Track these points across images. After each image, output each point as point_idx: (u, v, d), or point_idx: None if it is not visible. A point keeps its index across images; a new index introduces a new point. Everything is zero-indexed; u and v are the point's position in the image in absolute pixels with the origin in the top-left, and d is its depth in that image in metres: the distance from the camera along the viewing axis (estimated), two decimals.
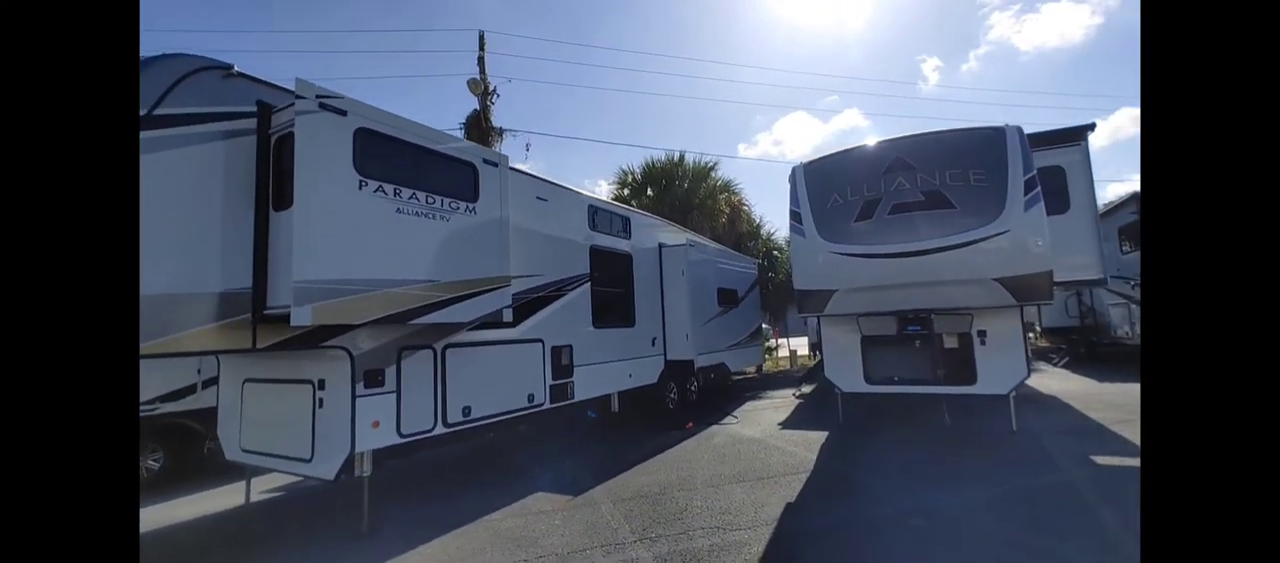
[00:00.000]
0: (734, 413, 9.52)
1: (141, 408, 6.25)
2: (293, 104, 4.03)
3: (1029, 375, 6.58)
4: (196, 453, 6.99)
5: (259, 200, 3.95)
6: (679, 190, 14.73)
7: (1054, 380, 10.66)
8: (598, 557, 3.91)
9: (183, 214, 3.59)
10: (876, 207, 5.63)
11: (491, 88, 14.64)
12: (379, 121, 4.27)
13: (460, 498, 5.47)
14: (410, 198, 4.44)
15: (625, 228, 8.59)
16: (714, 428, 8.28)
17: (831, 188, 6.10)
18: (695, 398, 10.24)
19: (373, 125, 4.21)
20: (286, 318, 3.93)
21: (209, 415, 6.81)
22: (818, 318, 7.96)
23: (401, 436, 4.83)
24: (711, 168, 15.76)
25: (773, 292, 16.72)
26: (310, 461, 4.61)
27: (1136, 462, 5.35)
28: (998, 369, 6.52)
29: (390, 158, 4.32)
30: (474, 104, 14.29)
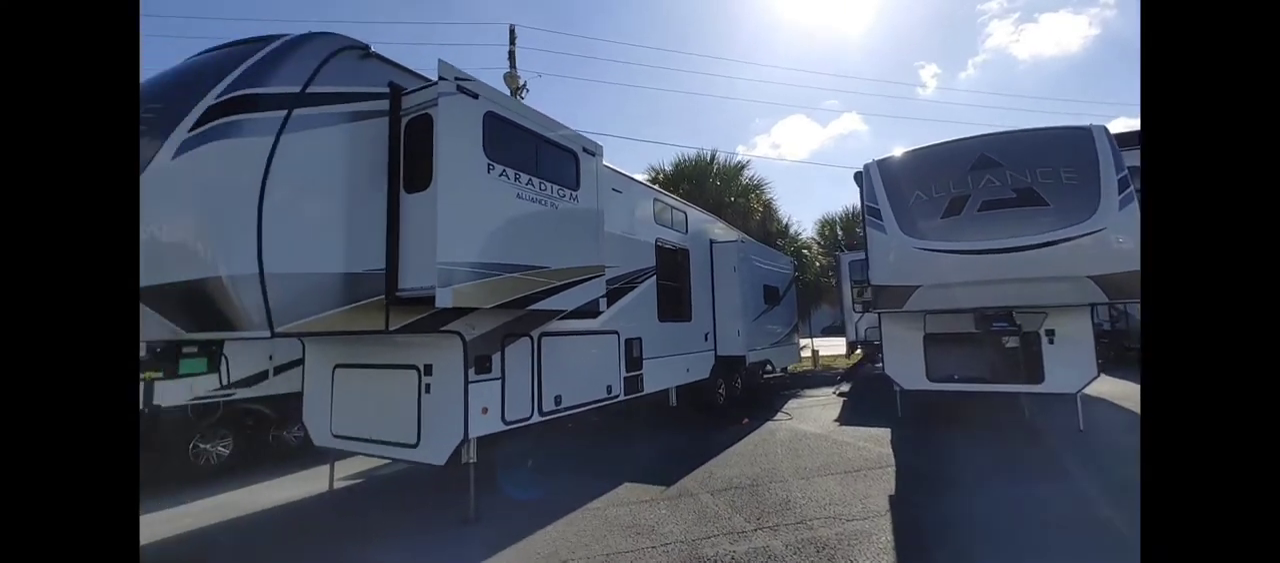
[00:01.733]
0: (783, 410, 9.55)
1: (219, 394, 6.21)
2: (424, 86, 4.03)
3: (1098, 376, 6.63)
4: (264, 440, 6.95)
5: (390, 182, 3.92)
6: (712, 188, 14.76)
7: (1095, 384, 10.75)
8: (723, 544, 3.92)
9: (324, 193, 3.58)
10: (965, 203, 5.67)
11: (522, 83, 14.64)
12: (502, 106, 4.27)
13: (548, 488, 5.46)
14: (527, 183, 4.44)
15: (684, 223, 8.61)
16: (770, 424, 8.30)
17: (913, 184, 6.14)
18: (739, 394, 10.27)
19: (498, 110, 4.20)
20: (417, 300, 3.94)
21: (279, 401, 6.82)
22: (878, 315, 8.00)
23: (505, 422, 4.82)
24: (742, 167, 15.82)
25: (799, 291, 16.78)
26: (416, 446, 4.59)
27: None
28: (1067, 368, 6.56)
29: (510, 143, 4.32)
30: None
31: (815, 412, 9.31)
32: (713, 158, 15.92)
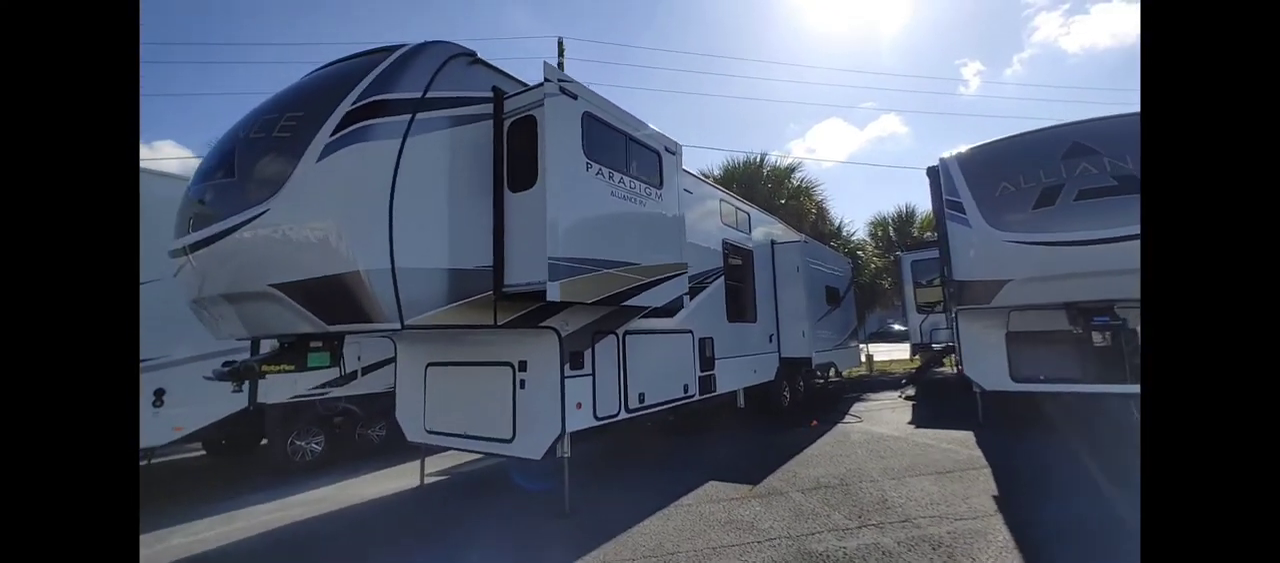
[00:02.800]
0: (851, 413, 9.33)
1: (313, 393, 6.54)
2: (525, 90, 4.18)
3: None
4: (350, 437, 7.26)
5: (496, 182, 4.07)
6: (763, 190, 14.64)
7: None
8: (829, 540, 3.85)
9: (438, 193, 3.73)
10: (1058, 193, 5.45)
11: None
12: (597, 106, 4.38)
13: (633, 483, 5.50)
14: (619, 182, 4.52)
15: (748, 224, 8.57)
16: (842, 426, 8.13)
17: (998, 176, 5.94)
18: (801, 398, 10.10)
19: (594, 110, 4.31)
20: (522, 296, 4.06)
21: (366, 401, 7.11)
22: (953, 315, 7.75)
23: (597, 418, 4.89)
24: (793, 169, 15.63)
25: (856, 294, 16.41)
26: (511, 441, 4.71)
27: None
28: None
29: (603, 142, 4.42)
30: None
31: (885, 415, 9.06)
32: (762, 160, 15.82)
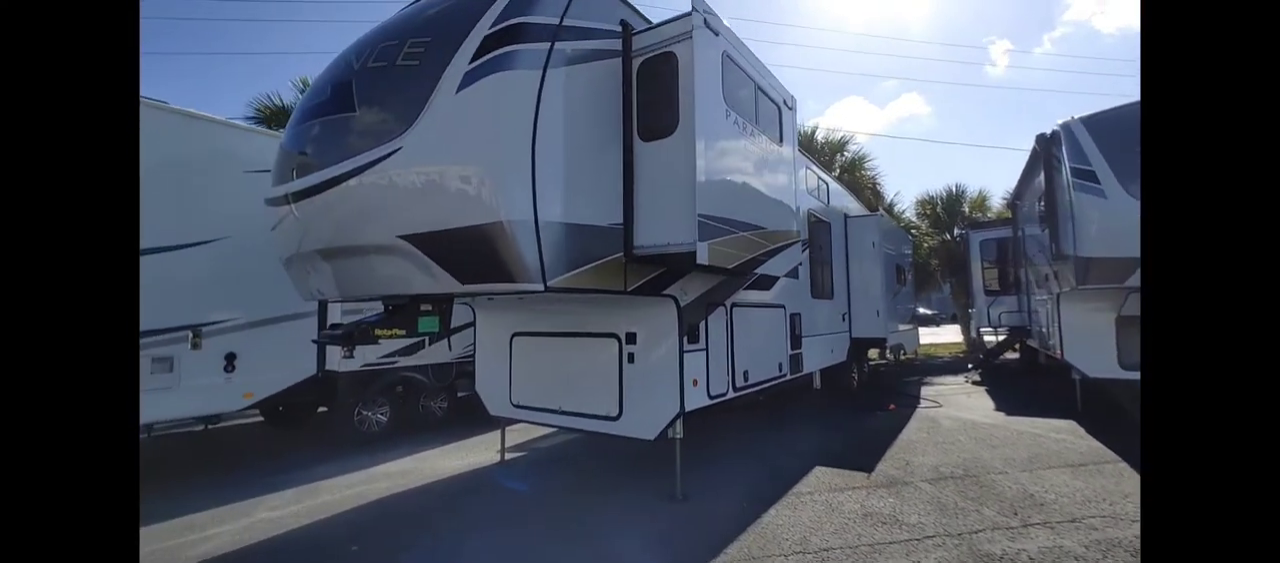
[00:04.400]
0: (925, 397, 8.88)
1: (384, 362, 6.20)
2: (662, 23, 3.67)
3: None
4: (414, 409, 6.95)
5: (625, 129, 3.59)
6: (816, 163, 13.97)
7: None
8: (1001, 540, 3.43)
9: (574, 138, 3.26)
10: None
11: None
12: (733, 45, 3.86)
13: (731, 468, 5.11)
14: (751, 134, 4.03)
15: (826, 195, 8.04)
16: (923, 412, 7.68)
17: (1137, 140, 5.34)
18: (866, 379, 9.67)
19: (731, 50, 3.80)
20: (648, 260, 3.62)
21: (433, 371, 6.77)
22: (1054, 296, 7.21)
23: (710, 397, 4.49)
24: (846, 142, 14.93)
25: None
26: (618, 419, 4.32)
27: None
28: None
29: (738, 88, 3.93)
30: None
31: (961, 400, 8.60)
32: (813, 132, 15.12)
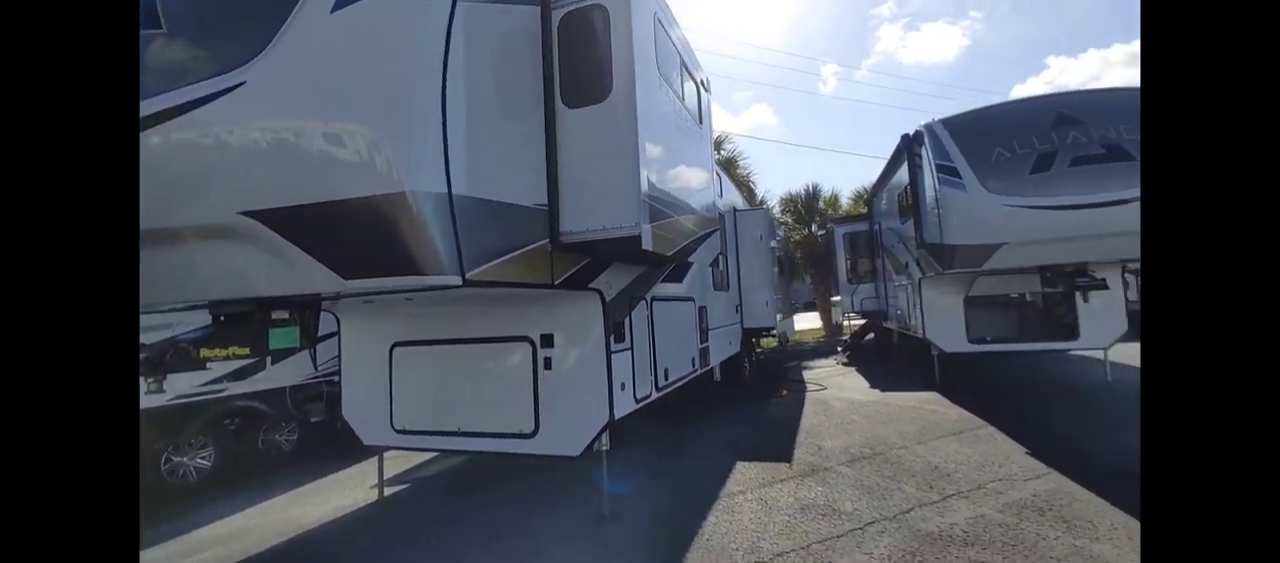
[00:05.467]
0: (809, 381, 9.39)
1: (203, 391, 4.78)
2: None
3: (1126, 331, 7.04)
4: (251, 445, 5.53)
5: (547, 94, 3.01)
6: None
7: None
8: (932, 516, 3.51)
9: (487, 96, 2.61)
10: (1053, 159, 5.65)
11: None
12: (661, 8, 3.46)
13: (653, 475, 4.77)
14: (678, 109, 3.68)
15: (721, 187, 8.07)
16: (812, 395, 8.07)
17: (992, 141, 6.04)
18: (755, 368, 10.03)
19: (660, 12, 3.40)
20: (577, 247, 3.09)
21: (275, 397, 5.44)
22: (916, 282, 8.00)
23: (636, 401, 4.07)
24: (722, 141, 15.49)
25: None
26: (533, 435, 3.72)
27: None
28: (1101, 325, 6.90)
29: (667, 57, 3.54)
30: None
31: (839, 380, 9.25)
32: None
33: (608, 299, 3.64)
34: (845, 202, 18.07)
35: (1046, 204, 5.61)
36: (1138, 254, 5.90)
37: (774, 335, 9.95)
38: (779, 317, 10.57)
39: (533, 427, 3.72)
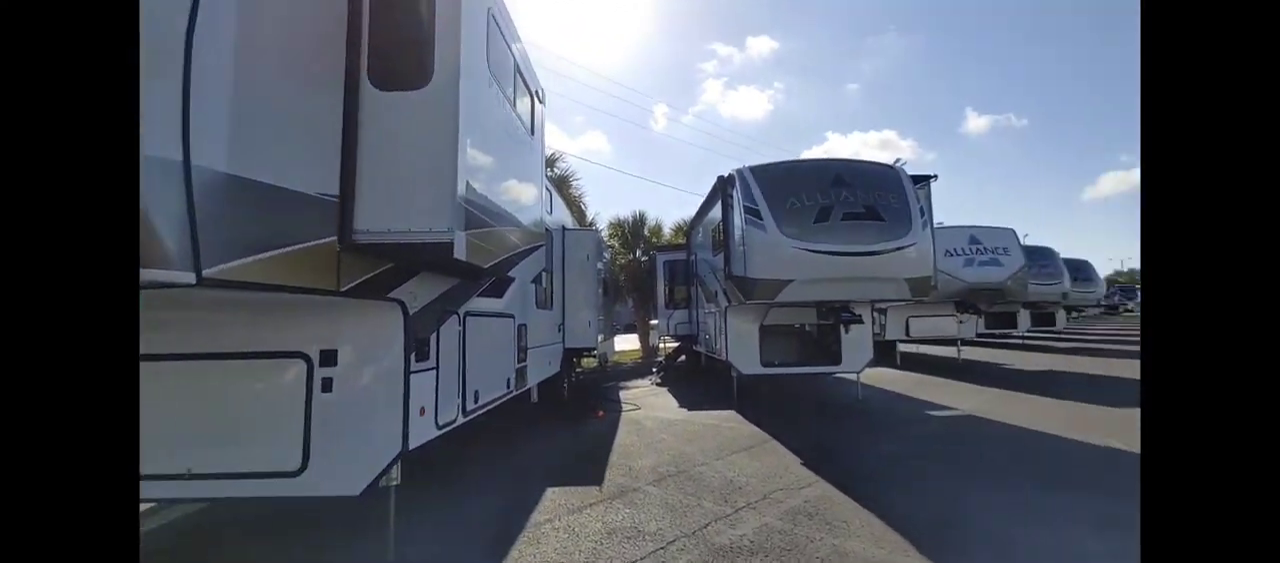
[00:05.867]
0: (625, 401, 9.65)
1: None
2: None
3: (873, 357, 8.72)
4: None
5: (350, 67, 2.56)
6: None
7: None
8: (726, 530, 3.76)
9: (248, 44, 2.11)
10: (831, 212, 6.74)
11: None
12: (497, 6, 3.24)
13: (453, 508, 4.34)
14: (508, 115, 3.48)
15: (551, 203, 7.97)
16: (627, 415, 8.30)
17: (788, 191, 6.99)
18: (573, 389, 10.00)
19: (495, 9, 3.18)
20: (377, 250, 2.66)
21: None
22: (723, 310, 8.83)
23: (438, 427, 3.66)
24: (555, 159, 15.43)
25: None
26: (300, 473, 3.10)
27: (946, 411, 7.71)
28: (857, 352, 8.45)
29: (500, 58, 3.32)
30: None
31: (653, 400, 9.69)
32: None
33: (412, 312, 3.21)
34: (667, 231, 19.39)
35: (825, 249, 6.65)
36: (883, 297, 7.33)
37: (594, 356, 10.05)
38: (601, 337, 10.75)
39: (300, 463, 3.08)
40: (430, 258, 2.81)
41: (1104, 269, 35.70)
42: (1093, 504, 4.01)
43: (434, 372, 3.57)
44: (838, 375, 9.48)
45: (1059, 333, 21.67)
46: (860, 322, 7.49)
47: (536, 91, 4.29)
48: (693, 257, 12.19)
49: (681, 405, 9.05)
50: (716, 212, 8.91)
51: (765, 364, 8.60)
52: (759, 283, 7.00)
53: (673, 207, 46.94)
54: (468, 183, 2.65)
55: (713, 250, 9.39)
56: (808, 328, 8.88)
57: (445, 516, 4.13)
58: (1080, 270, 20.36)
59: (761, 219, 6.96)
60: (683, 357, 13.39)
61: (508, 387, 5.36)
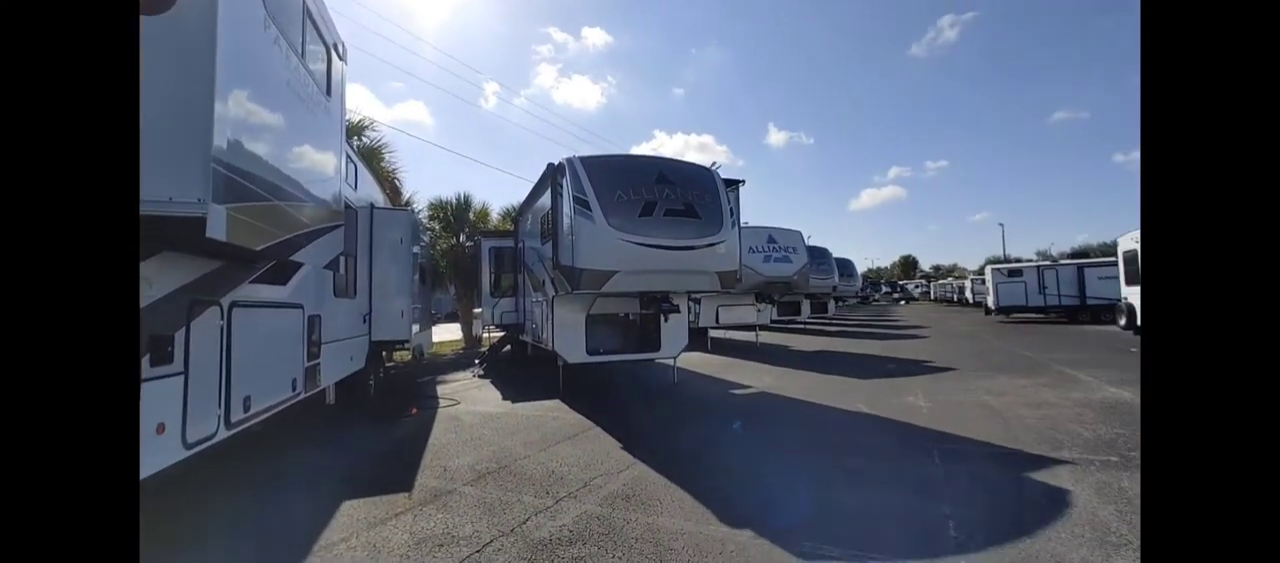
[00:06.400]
0: (443, 396, 9.00)
1: None
2: None
3: (688, 343, 9.51)
4: None
5: None
6: None
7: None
8: (546, 523, 3.72)
9: None
10: (655, 207, 7.07)
11: None
12: None
13: (222, 538, 3.56)
14: (295, 69, 2.91)
15: (356, 177, 7.01)
16: (444, 411, 7.77)
17: (615, 184, 7.15)
18: (383, 384, 9.02)
19: None
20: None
21: None
22: (548, 300, 8.77)
23: (186, 446, 2.94)
24: (365, 127, 13.58)
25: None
26: None
27: (752, 386, 8.80)
28: (675, 339, 9.12)
29: (282, 7, 2.76)
30: None
31: (475, 394, 9.22)
32: None
33: (145, 303, 2.50)
34: (495, 216, 18.55)
35: (649, 243, 6.98)
36: (699, 288, 7.99)
37: (409, 348, 9.17)
38: (417, 328, 9.85)
39: None
40: (175, 236, 2.21)
41: (861, 267, 44.50)
42: (843, 460, 4.90)
43: (182, 377, 2.84)
44: (658, 361, 10.12)
45: (829, 319, 26.38)
46: (678, 311, 8.08)
47: (334, 44, 3.68)
48: (521, 244, 11.85)
49: (505, 398, 8.76)
50: (546, 200, 8.76)
51: (591, 352, 8.75)
52: (585, 273, 7.07)
53: (502, 190, 45.21)
54: (230, 141, 2.13)
55: (541, 239, 9.23)
56: (631, 317, 9.28)
57: (204, 555, 3.35)
58: (845, 267, 25.23)
59: (590, 210, 7.03)
60: (508, 346, 12.99)
61: (294, 389, 4.57)
